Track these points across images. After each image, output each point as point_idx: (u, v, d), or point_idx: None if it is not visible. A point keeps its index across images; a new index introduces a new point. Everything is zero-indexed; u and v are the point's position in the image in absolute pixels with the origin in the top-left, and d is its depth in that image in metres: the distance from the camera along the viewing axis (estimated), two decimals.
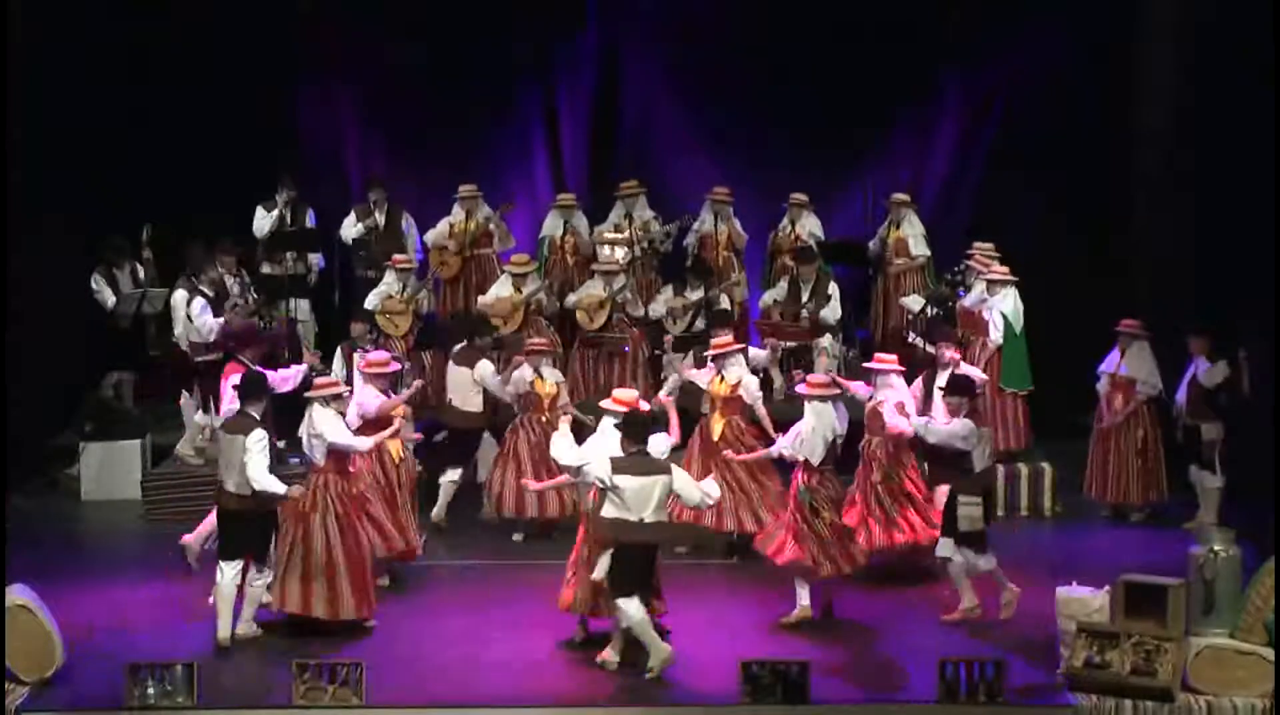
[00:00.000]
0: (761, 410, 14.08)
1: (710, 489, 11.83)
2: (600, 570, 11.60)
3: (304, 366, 14.50)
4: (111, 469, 15.89)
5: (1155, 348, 14.94)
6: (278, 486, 12.01)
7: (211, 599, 12.23)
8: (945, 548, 12.53)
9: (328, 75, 18.73)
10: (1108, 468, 15.08)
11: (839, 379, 13.63)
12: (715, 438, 13.94)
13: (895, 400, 13.36)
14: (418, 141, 18.58)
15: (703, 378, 14.25)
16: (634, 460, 11.52)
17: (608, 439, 11.90)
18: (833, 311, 16.61)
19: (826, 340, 16.41)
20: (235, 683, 11.40)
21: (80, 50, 17.39)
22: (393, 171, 18.41)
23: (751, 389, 14.06)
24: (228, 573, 12.10)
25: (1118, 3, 17.55)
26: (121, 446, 16.02)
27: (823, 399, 12.69)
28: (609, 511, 11.46)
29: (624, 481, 11.42)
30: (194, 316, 15.83)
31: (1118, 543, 14.41)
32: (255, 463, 11.94)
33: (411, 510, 13.61)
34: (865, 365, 14.28)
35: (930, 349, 14.79)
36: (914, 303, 16.77)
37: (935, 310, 16.31)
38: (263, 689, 11.26)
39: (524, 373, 14.61)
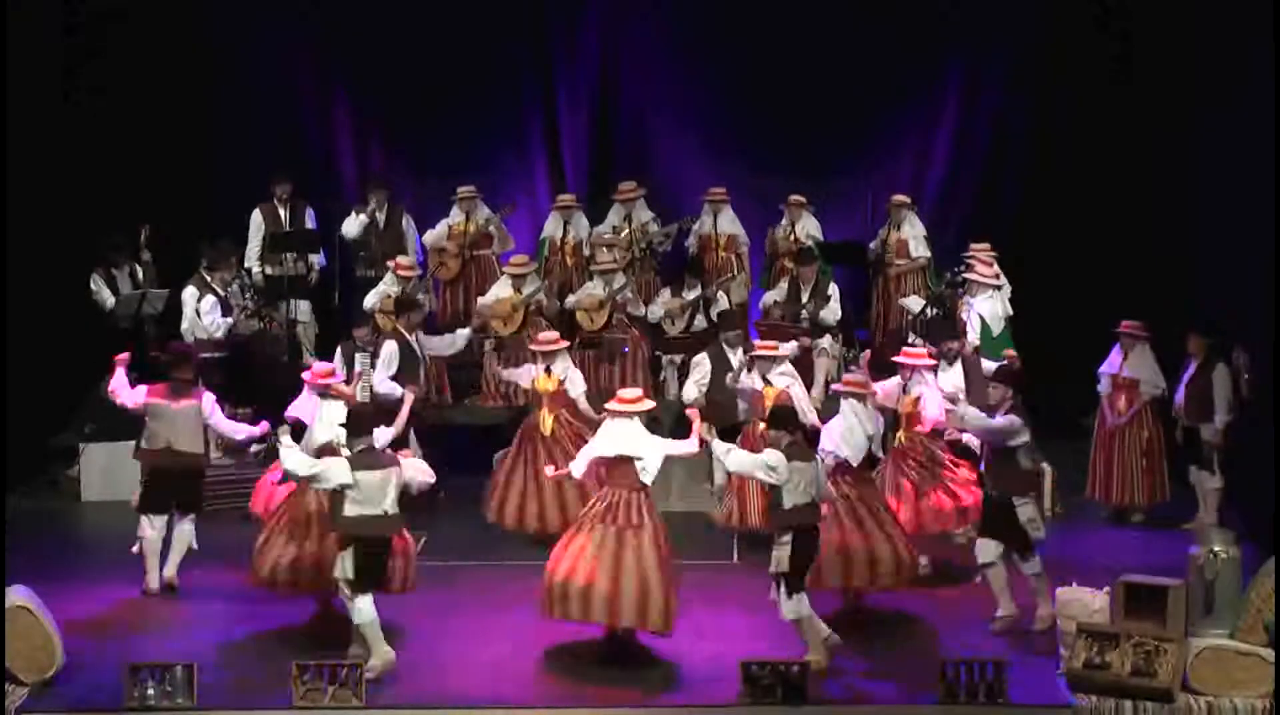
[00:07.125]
0: (584, 404, 14.46)
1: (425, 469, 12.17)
2: (347, 569, 11.47)
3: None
4: (111, 469, 15.86)
5: (1155, 348, 14.94)
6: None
7: (136, 548, 13.30)
8: (987, 551, 12.35)
9: (328, 76, 18.73)
10: (1111, 469, 15.04)
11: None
12: (546, 433, 14.30)
13: (931, 394, 13.33)
14: (418, 142, 18.57)
15: (525, 375, 14.61)
16: (365, 456, 11.57)
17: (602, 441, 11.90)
18: (832, 312, 16.58)
19: (826, 341, 16.42)
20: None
21: (80, 49, 17.42)
22: (392, 172, 18.42)
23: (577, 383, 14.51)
24: (156, 525, 13.19)
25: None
26: (121, 446, 15.97)
27: (859, 397, 12.64)
28: (351, 510, 11.46)
29: (363, 477, 11.47)
30: (203, 313, 15.89)
31: (1118, 543, 14.40)
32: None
33: None
34: (896, 359, 13.85)
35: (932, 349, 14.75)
36: (914, 304, 16.77)
37: (935, 311, 16.30)
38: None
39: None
